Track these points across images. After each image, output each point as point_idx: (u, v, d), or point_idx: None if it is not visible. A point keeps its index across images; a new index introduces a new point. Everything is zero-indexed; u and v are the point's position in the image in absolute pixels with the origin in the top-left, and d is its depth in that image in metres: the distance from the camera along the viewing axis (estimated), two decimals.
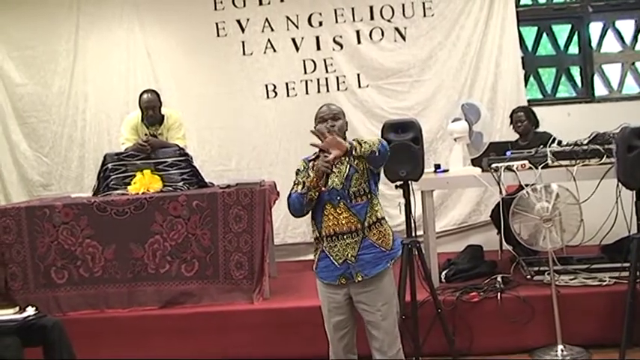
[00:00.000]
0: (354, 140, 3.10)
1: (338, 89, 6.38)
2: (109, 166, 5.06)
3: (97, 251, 4.73)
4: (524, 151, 4.74)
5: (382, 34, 6.36)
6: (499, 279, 4.60)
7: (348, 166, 3.22)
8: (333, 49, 6.39)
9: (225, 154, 6.46)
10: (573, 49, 6.71)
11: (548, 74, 6.78)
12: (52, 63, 6.53)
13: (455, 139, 5.12)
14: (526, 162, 4.54)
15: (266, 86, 6.42)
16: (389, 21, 6.36)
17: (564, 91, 6.80)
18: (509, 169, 4.54)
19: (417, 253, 4.15)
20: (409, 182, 4.22)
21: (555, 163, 4.55)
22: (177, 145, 5.18)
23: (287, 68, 6.41)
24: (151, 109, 5.29)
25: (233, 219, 4.72)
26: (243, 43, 6.43)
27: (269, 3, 6.40)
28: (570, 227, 4.14)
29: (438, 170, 5.06)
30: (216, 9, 6.44)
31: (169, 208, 4.73)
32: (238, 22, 6.43)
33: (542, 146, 4.69)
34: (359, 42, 6.38)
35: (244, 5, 6.42)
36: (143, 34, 6.49)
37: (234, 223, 4.72)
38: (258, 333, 4.49)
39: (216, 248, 4.72)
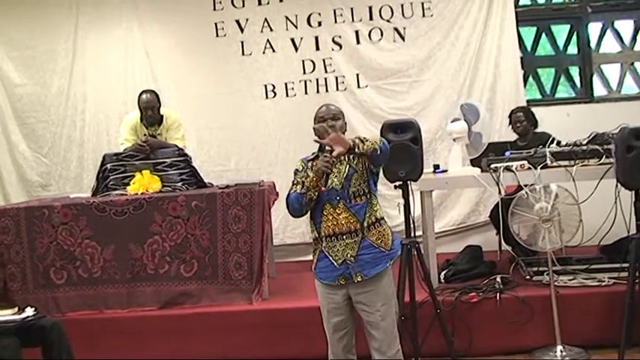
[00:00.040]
0: (356, 138, 3.11)
1: (337, 89, 6.38)
2: (108, 166, 5.05)
3: (96, 252, 4.73)
4: (524, 151, 4.74)
5: (381, 34, 6.36)
6: (498, 279, 4.60)
7: (348, 166, 3.23)
8: (332, 50, 6.39)
9: (224, 155, 6.46)
10: (572, 49, 6.71)
11: (547, 74, 6.78)
12: (51, 63, 6.53)
13: (454, 140, 5.12)
14: (525, 162, 4.53)
15: (265, 86, 6.42)
16: (388, 21, 6.36)
17: (563, 91, 6.80)
18: (508, 169, 4.53)
19: (416, 253, 4.16)
20: (408, 182, 4.23)
21: (554, 164, 4.54)
22: (177, 146, 5.18)
23: (286, 68, 6.41)
24: (150, 110, 5.29)
25: (232, 219, 4.72)
26: (242, 43, 6.43)
27: (268, 3, 6.40)
28: (569, 227, 4.14)
29: (437, 170, 5.06)
30: (215, 9, 6.44)
31: (168, 209, 4.73)
32: (237, 22, 6.42)
33: (541, 146, 4.69)
34: (358, 42, 6.38)
35: (243, 5, 6.41)
36: (142, 34, 6.49)
37: (233, 224, 4.72)
38: (258, 333, 4.49)
39: (215, 249, 4.72)
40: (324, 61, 6.40)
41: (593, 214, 4.26)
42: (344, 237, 3.19)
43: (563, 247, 4.40)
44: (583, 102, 6.58)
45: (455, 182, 5.09)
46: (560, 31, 6.74)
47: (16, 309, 3.93)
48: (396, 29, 6.35)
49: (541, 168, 4.49)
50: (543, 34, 6.71)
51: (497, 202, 4.82)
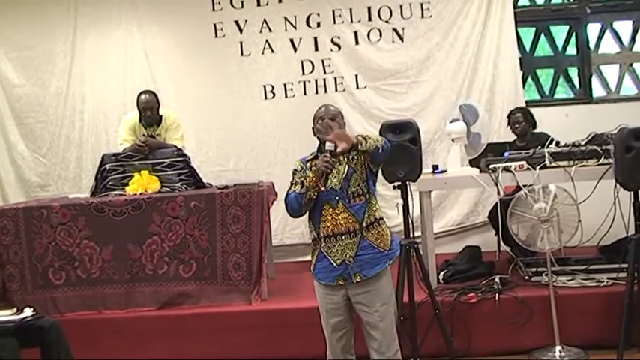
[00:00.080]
0: (359, 136, 3.11)
1: (336, 90, 6.38)
2: (107, 166, 5.05)
3: (95, 252, 4.73)
4: (522, 152, 4.73)
5: (380, 35, 6.36)
6: (497, 280, 4.60)
7: (347, 166, 3.23)
8: (331, 50, 6.39)
9: (223, 155, 6.46)
10: (571, 50, 6.71)
11: (546, 75, 6.78)
12: (49, 64, 6.53)
13: (453, 140, 5.12)
14: (524, 163, 4.53)
15: (264, 87, 6.42)
16: (387, 22, 6.36)
17: (562, 92, 6.80)
18: (507, 169, 4.54)
19: (414, 253, 4.16)
20: (407, 183, 4.23)
21: (553, 164, 4.54)
22: (175, 146, 5.18)
23: (285, 69, 6.41)
24: (149, 110, 5.28)
25: (231, 220, 4.72)
26: (241, 43, 6.43)
27: (267, 4, 6.40)
28: (568, 228, 4.15)
29: (435, 171, 5.06)
30: (214, 10, 6.44)
31: (167, 209, 4.72)
32: (236, 22, 6.42)
33: (540, 147, 4.70)
34: (357, 43, 6.38)
35: (242, 6, 6.41)
36: (141, 34, 6.49)
37: (232, 224, 4.72)
38: (256, 334, 4.49)
39: (214, 249, 4.72)
40: (322, 61, 6.40)
41: (591, 215, 4.26)
42: (343, 237, 3.20)
43: (562, 248, 4.41)
44: (582, 103, 6.58)
45: (454, 183, 5.09)
46: (559, 31, 6.75)
47: (14, 309, 3.92)
48: (394, 30, 6.35)
49: (540, 168, 4.49)
50: (542, 35, 6.71)
51: (496, 203, 4.81)
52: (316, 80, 6.39)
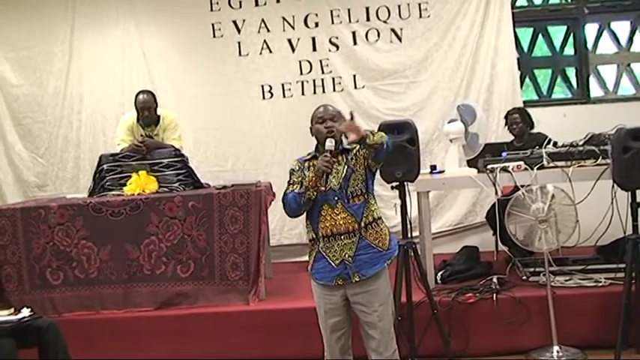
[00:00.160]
0: (367, 130, 3.12)
1: (334, 90, 6.38)
2: (105, 166, 5.05)
3: (93, 252, 4.72)
4: (520, 152, 4.74)
5: (378, 35, 6.37)
6: (495, 280, 4.61)
7: (346, 166, 3.23)
8: (329, 50, 6.39)
9: (221, 155, 6.46)
10: (569, 50, 6.72)
11: (543, 75, 6.79)
12: (47, 64, 6.52)
13: (451, 140, 5.12)
14: (522, 163, 4.54)
15: (262, 87, 6.42)
16: (385, 22, 6.36)
17: (560, 92, 6.81)
18: (504, 170, 4.54)
19: (412, 254, 4.16)
20: (405, 183, 4.23)
21: (551, 164, 4.55)
22: (173, 146, 5.17)
23: (283, 69, 6.41)
24: (147, 110, 5.27)
25: (229, 220, 4.71)
26: (239, 43, 6.43)
27: (265, 4, 6.40)
28: (566, 228, 4.15)
29: (433, 171, 5.06)
30: (212, 10, 6.44)
31: (165, 209, 4.72)
32: (234, 22, 6.42)
33: (537, 147, 4.70)
34: (355, 43, 6.38)
35: (240, 6, 6.41)
36: (139, 34, 6.49)
37: (230, 224, 4.71)
38: (254, 334, 4.48)
39: (211, 249, 4.72)
40: (321, 61, 6.40)
41: (589, 215, 4.26)
42: (342, 237, 3.20)
43: (560, 248, 4.42)
44: (579, 103, 6.59)
45: (452, 183, 5.09)
46: (557, 32, 6.75)
47: (12, 310, 3.92)
48: (393, 30, 6.36)
49: (537, 169, 4.49)
50: (540, 35, 6.72)
51: (494, 203, 4.82)
52: (314, 80, 6.40)
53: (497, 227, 4.58)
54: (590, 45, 6.67)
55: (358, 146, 3.23)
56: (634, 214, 4.13)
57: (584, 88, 6.64)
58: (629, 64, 6.70)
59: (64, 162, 6.54)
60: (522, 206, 4.18)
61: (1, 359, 3.57)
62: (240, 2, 6.41)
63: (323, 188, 3.14)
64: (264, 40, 6.41)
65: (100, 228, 4.72)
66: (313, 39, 6.40)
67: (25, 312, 3.86)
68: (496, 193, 4.54)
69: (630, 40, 6.68)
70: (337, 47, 6.39)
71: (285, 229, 6.28)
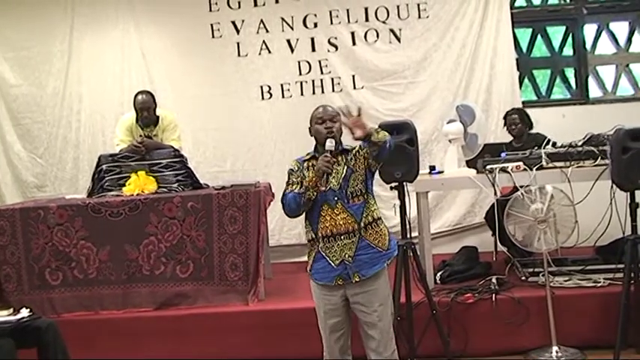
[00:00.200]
0: (371, 128, 3.13)
1: (333, 90, 6.38)
2: (104, 167, 5.04)
3: (92, 252, 4.72)
4: (519, 152, 4.75)
5: (377, 35, 6.37)
6: (494, 280, 4.61)
7: (346, 166, 3.24)
8: (328, 51, 6.40)
9: (220, 156, 6.45)
10: (568, 50, 6.73)
11: (542, 76, 6.80)
12: (46, 64, 6.52)
13: (450, 141, 5.13)
14: (521, 163, 4.55)
15: (261, 87, 6.42)
16: (384, 22, 6.37)
17: (559, 92, 6.81)
18: (503, 170, 4.55)
19: (411, 254, 4.16)
20: (404, 184, 4.23)
21: (550, 165, 4.56)
22: (172, 147, 5.17)
23: (282, 69, 6.41)
24: (146, 111, 5.27)
25: (228, 220, 4.71)
26: (238, 44, 6.43)
27: (264, 4, 6.40)
28: (565, 228, 4.15)
29: (432, 172, 5.07)
30: (211, 10, 6.44)
31: (164, 210, 4.72)
32: (233, 23, 6.42)
33: (536, 148, 4.70)
34: (354, 43, 6.38)
35: (239, 7, 6.41)
36: (138, 34, 6.48)
37: (229, 225, 4.71)
38: (253, 334, 4.48)
39: (211, 250, 4.72)
40: (319, 62, 6.40)
41: (588, 215, 4.27)
42: (342, 237, 3.20)
43: (559, 248, 4.42)
44: (578, 103, 6.60)
45: (451, 183, 5.10)
46: (556, 32, 6.76)
47: (11, 310, 3.92)
48: (391, 30, 6.36)
49: (536, 169, 4.50)
50: (539, 36, 6.73)
51: (493, 203, 4.82)
52: (313, 81, 6.40)
53: (496, 228, 4.58)
54: (588, 45, 6.68)
55: (358, 146, 3.23)
56: (633, 214, 4.14)
57: (583, 88, 6.65)
58: (627, 65, 6.71)
59: (63, 162, 6.53)
60: (521, 207, 4.18)
61: (1, 359, 3.56)
62: (239, 3, 6.41)
63: (323, 188, 3.15)
64: (263, 41, 6.41)
65: (99, 228, 4.71)
66: (312, 39, 6.40)
67: (24, 312, 3.86)
68: (495, 193, 4.54)
69: (629, 40, 6.69)
70: (336, 48, 6.39)
71: (284, 229, 6.28)
